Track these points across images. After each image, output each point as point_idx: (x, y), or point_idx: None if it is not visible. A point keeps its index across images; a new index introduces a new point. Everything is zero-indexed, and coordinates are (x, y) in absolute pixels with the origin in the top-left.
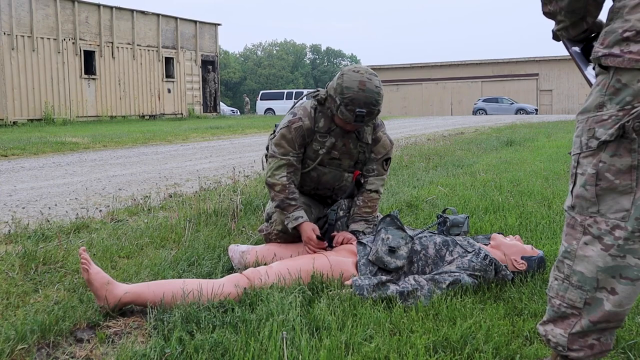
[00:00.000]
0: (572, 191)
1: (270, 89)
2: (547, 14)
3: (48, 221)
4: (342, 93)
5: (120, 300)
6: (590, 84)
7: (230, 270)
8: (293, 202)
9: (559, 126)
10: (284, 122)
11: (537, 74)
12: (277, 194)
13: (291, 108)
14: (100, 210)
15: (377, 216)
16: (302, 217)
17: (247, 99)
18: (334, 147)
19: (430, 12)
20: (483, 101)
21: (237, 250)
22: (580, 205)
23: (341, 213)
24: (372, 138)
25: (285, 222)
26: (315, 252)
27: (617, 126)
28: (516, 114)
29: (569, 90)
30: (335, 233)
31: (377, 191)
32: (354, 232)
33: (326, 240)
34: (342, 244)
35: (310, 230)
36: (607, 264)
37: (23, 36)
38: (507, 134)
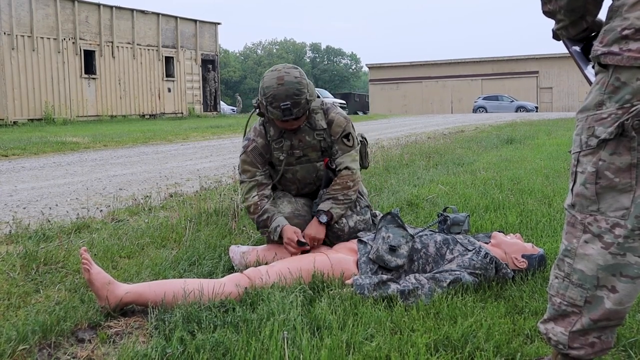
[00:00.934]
0: (572, 189)
1: None
2: (547, 13)
3: (49, 221)
4: (264, 94)
5: (121, 300)
6: (590, 83)
7: (231, 269)
8: (266, 215)
9: (560, 124)
10: (241, 149)
11: (537, 72)
12: (252, 216)
13: (245, 134)
14: (101, 210)
15: (363, 200)
16: (279, 224)
17: (239, 98)
18: (293, 147)
19: (430, 11)
20: (483, 99)
21: (237, 251)
22: (581, 204)
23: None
24: (326, 122)
25: (271, 238)
26: (294, 254)
27: (616, 124)
28: (516, 111)
29: (569, 88)
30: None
31: (347, 167)
32: (318, 212)
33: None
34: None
35: (291, 232)
36: (608, 262)
37: (23, 36)
38: (507, 132)
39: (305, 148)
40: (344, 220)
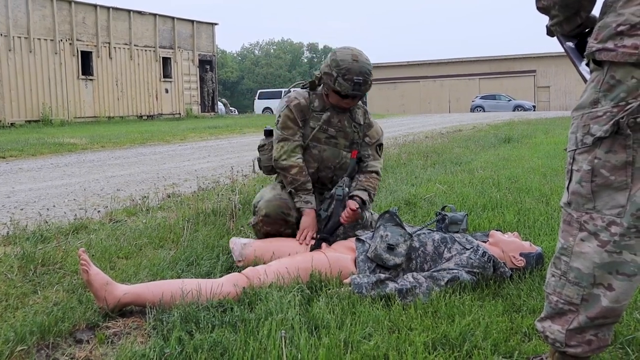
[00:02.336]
0: (568, 188)
1: (268, 88)
2: (541, 9)
3: (46, 222)
4: (337, 66)
5: (119, 301)
6: (584, 80)
7: (229, 269)
8: (309, 186)
9: (557, 122)
10: (281, 106)
11: (534, 71)
12: (294, 177)
13: (281, 100)
14: (99, 211)
15: (373, 214)
16: (311, 202)
17: (224, 101)
18: (330, 123)
19: (427, 11)
20: (481, 98)
21: (238, 243)
22: (577, 202)
23: (347, 190)
24: (365, 122)
25: (295, 200)
26: (301, 243)
27: (611, 122)
28: (514, 110)
29: (566, 87)
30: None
31: (377, 172)
32: (354, 196)
33: (326, 233)
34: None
35: (311, 220)
36: (604, 260)
37: (20, 37)
38: (504, 131)
39: (339, 130)
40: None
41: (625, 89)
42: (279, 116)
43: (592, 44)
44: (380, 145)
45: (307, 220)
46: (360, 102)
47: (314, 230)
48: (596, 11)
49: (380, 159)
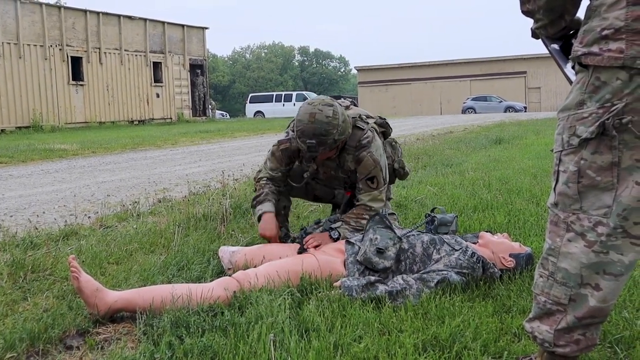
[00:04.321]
0: (554, 188)
1: (259, 92)
2: (526, 12)
3: (36, 229)
4: (296, 126)
5: (110, 307)
6: (570, 82)
7: (220, 274)
8: (260, 198)
9: (548, 123)
10: (279, 138)
11: (525, 72)
12: (256, 195)
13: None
14: (89, 217)
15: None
16: (261, 209)
17: (213, 103)
18: (317, 173)
19: (418, 14)
20: (472, 100)
21: (227, 251)
22: (563, 203)
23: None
24: (355, 161)
25: (253, 213)
26: (269, 241)
27: (597, 124)
28: (505, 112)
29: (557, 88)
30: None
31: (364, 204)
32: (330, 229)
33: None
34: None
35: (268, 223)
36: (591, 260)
37: (9, 43)
38: (495, 132)
39: (328, 178)
40: None
41: (611, 90)
42: (272, 145)
43: (577, 47)
44: (372, 177)
45: (265, 224)
46: (352, 146)
47: (274, 235)
48: (581, 13)
49: (373, 190)
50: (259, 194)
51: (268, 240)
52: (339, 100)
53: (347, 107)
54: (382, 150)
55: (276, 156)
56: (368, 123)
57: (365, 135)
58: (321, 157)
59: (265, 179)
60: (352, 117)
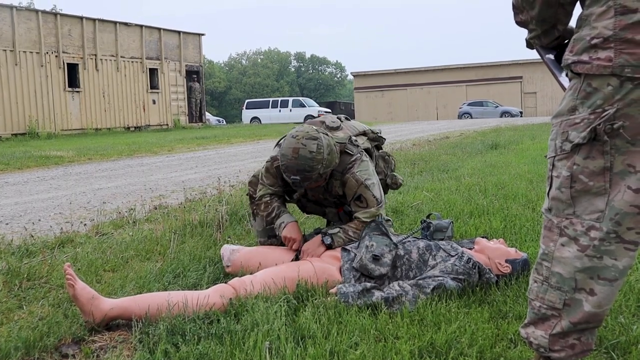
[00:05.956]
0: (548, 194)
1: (256, 98)
2: (519, 23)
3: (32, 236)
4: (280, 159)
5: (106, 315)
6: (564, 90)
7: (216, 280)
8: (274, 213)
9: (544, 128)
10: (271, 154)
11: (521, 77)
12: (262, 213)
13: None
14: (85, 224)
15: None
16: (283, 221)
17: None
18: (306, 196)
19: (414, 19)
20: (468, 105)
21: (228, 249)
22: (557, 207)
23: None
24: (341, 184)
25: (277, 233)
26: (291, 249)
27: (589, 129)
28: (501, 117)
29: (553, 93)
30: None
31: (357, 218)
32: (324, 232)
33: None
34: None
35: (292, 231)
36: (585, 264)
37: (5, 50)
38: (492, 137)
39: (318, 199)
40: None
41: (602, 96)
42: (266, 161)
43: (567, 56)
44: (359, 197)
45: (289, 230)
46: (339, 171)
47: (299, 239)
48: (573, 23)
49: (364, 207)
50: (270, 211)
51: (291, 243)
52: (330, 119)
53: (337, 128)
54: (371, 169)
55: (271, 172)
56: (358, 146)
57: (352, 160)
58: (309, 186)
59: (268, 195)
60: (341, 143)
